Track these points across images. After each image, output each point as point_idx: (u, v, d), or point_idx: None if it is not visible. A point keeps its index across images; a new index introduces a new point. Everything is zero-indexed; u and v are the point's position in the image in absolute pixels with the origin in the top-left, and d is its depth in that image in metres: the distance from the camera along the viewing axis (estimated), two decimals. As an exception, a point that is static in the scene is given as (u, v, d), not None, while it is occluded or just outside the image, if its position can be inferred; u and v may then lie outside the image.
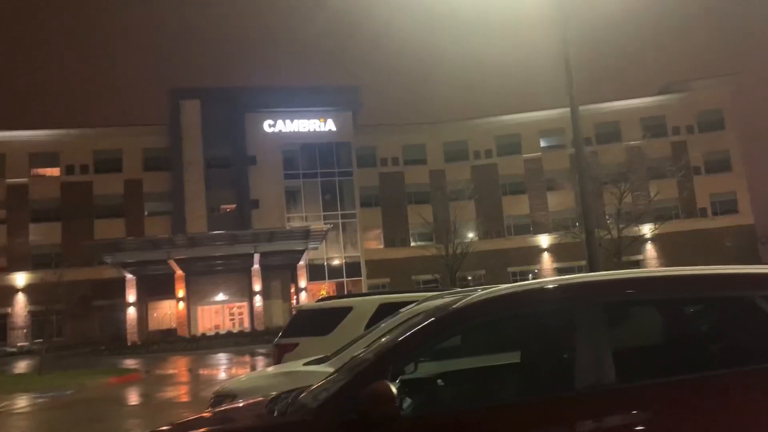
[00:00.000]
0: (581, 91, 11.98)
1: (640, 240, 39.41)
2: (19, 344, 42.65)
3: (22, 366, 30.25)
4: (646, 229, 39.20)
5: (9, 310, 44.50)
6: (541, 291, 3.31)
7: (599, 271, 9.00)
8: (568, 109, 12.06)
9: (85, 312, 42.04)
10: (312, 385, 3.46)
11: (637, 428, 2.78)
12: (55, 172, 47.65)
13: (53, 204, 46.62)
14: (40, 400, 15.22)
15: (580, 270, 41.47)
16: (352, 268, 46.66)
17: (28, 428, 11.85)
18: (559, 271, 46.88)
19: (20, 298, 44.54)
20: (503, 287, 3.43)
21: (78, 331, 43.15)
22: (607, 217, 34.22)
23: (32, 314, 43.21)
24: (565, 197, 43.51)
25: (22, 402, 15.02)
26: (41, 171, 47.81)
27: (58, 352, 35.03)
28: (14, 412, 13.52)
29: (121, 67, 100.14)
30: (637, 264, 43.70)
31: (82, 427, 11.06)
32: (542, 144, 51.90)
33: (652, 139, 46.65)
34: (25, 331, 43.76)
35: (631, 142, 46.44)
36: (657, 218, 37.59)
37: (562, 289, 3.27)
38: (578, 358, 2.96)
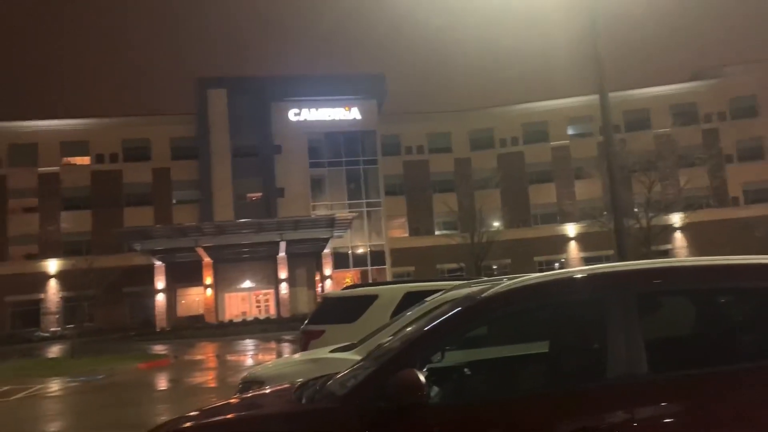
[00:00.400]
0: (610, 77, 11.76)
1: (670, 229, 38.88)
2: (51, 329, 43.63)
3: (55, 350, 30.96)
4: (676, 218, 38.60)
5: (42, 296, 45.54)
6: (573, 280, 3.28)
7: (628, 260, 8.88)
8: (596, 96, 11.84)
9: (115, 298, 42.85)
10: (339, 373, 3.47)
11: (670, 420, 2.74)
12: (85, 160, 48.46)
13: (83, 192, 47.46)
14: (73, 384, 15.56)
15: (607, 260, 41.00)
16: (377, 257, 46.76)
17: (61, 411, 12.14)
18: (586, 261, 46.41)
19: (52, 285, 45.53)
20: (532, 276, 3.40)
21: (108, 317, 44.01)
22: (635, 206, 33.76)
23: (64, 300, 44.18)
24: (593, 186, 42.89)
25: (55, 386, 15.38)
26: (72, 160, 48.66)
27: (89, 337, 35.73)
28: (48, 396, 13.86)
29: (149, 56, 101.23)
30: (666, 254, 43.08)
31: (114, 410, 11.29)
32: (570, 131, 51.25)
33: (683, 127, 45.80)
34: (57, 316, 44.75)
35: (661, 130, 45.66)
36: (687, 207, 36.98)
37: (595, 278, 3.23)
38: (610, 349, 2.92)
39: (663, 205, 34.55)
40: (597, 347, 3.17)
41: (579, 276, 3.26)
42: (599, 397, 2.83)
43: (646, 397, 2.80)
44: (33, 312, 45.18)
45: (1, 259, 45.76)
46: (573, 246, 49.25)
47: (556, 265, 47.23)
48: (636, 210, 33.25)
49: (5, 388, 14.84)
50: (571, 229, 49.07)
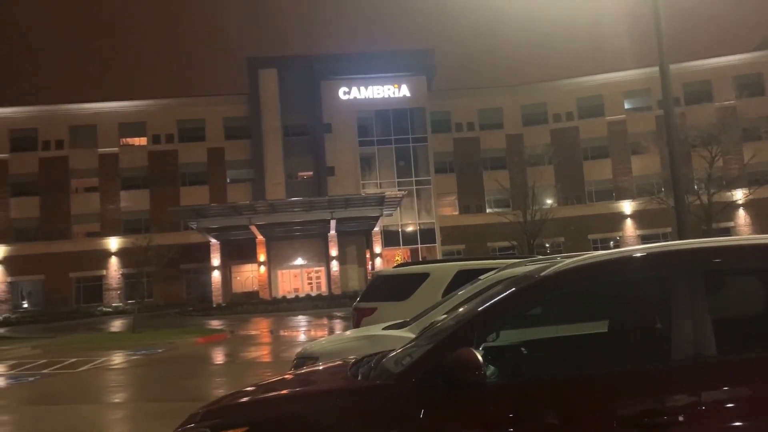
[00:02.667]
0: (669, 48, 11.28)
1: (732, 206, 37.42)
2: (113, 304, 45.40)
3: (116, 325, 32.22)
4: (739, 195, 37.11)
5: (104, 272, 47.36)
6: (636, 259, 3.16)
7: (688, 238, 8.57)
8: (654, 69, 11.40)
9: (173, 275, 44.17)
10: (394, 350, 3.46)
11: (740, 405, 2.64)
12: (142, 141, 49.81)
13: (141, 172, 48.88)
14: (135, 357, 16.16)
15: (665, 238, 39.89)
16: (427, 235, 46.68)
17: (124, 383, 12.63)
18: (643, 239, 45.25)
19: (113, 261, 47.27)
20: (592, 255, 3.31)
21: (167, 293, 45.50)
22: (696, 181, 32.60)
23: (125, 276, 45.83)
24: (651, 161, 41.71)
25: (117, 358, 16.00)
26: (130, 140, 50.09)
27: (148, 312, 37.05)
28: (112, 368, 14.43)
29: (202, 37, 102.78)
30: (728, 231, 41.57)
31: (174, 383, 11.66)
32: (626, 105, 49.69)
33: (748, 99, 43.78)
34: (118, 292, 46.51)
35: (724, 102, 43.84)
36: (752, 183, 35.47)
37: (660, 256, 3.11)
38: (675, 330, 2.82)
39: (725, 181, 33.24)
40: (661, 328, 3.08)
41: (642, 254, 3.14)
42: (664, 379, 2.73)
43: (715, 380, 2.70)
44: (96, 288, 47.09)
45: (66, 237, 47.70)
46: (629, 223, 48.03)
47: (612, 243, 46.20)
48: (696, 186, 32.10)
49: (72, 360, 15.52)
50: (627, 206, 47.84)
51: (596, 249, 39.52)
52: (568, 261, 3.23)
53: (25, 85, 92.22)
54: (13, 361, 16.16)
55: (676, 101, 39.09)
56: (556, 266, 3.21)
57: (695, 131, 33.35)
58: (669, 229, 38.82)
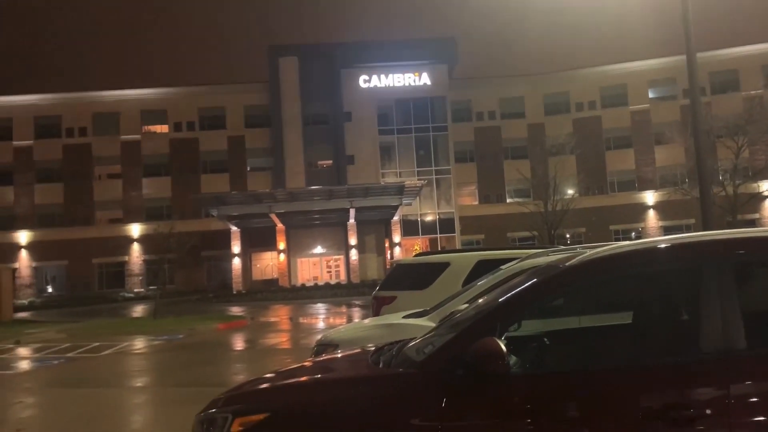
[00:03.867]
0: (697, 37, 11.07)
1: (759, 197, 36.80)
2: (135, 290, 46.03)
3: (138, 310, 32.63)
4: (766, 186, 36.47)
5: (126, 258, 47.99)
6: (662, 249, 3.10)
7: (713, 230, 8.45)
8: (679, 57, 11.26)
9: (194, 261, 44.63)
10: (415, 339, 3.45)
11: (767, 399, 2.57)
12: (164, 129, 50.21)
13: (163, 159, 49.31)
14: (156, 342, 16.35)
15: (688, 229, 39.39)
16: (446, 224, 46.57)
17: (145, 368, 12.79)
18: (666, 230, 44.72)
19: (135, 248, 47.86)
20: (617, 245, 3.26)
21: (188, 279, 46.01)
22: (721, 172, 32.08)
23: (146, 263, 46.40)
24: (675, 151, 41.16)
25: (139, 343, 16.20)
26: (151, 128, 50.53)
27: (170, 298, 37.48)
28: (133, 352, 14.62)
29: (223, 25, 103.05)
30: (754, 223, 40.90)
31: (195, 368, 11.78)
32: (651, 95, 48.99)
33: (776, 88, 42.90)
34: (140, 278, 47.13)
35: (751, 92, 42.94)
36: (778, 174, 34.84)
37: (687, 247, 3.05)
38: (703, 322, 2.76)
39: (751, 172, 32.68)
40: (688, 320, 3.03)
41: (668, 245, 3.08)
42: (691, 373, 2.69)
43: (744, 373, 2.65)
44: (118, 273, 47.76)
45: (89, 224, 48.38)
46: (651, 214, 47.48)
47: (634, 234, 45.73)
48: (721, 177, 31.60)
49: (94, 344, 15.75)
50: (650, 197, 47.29)
51: (618, 240, 39.14)
52: (592, 251, 3.19)
53: (49, 73, 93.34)
54: (39, 345, 16.47)
55: (702, 90, 38.40)
56: (580, 256, 3.17)
57: (721, 121, 32.78)
58: (693, 221, 38.31)
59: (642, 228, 47.04)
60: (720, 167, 32.68)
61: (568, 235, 43.31)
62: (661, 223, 46.46)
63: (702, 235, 3.19)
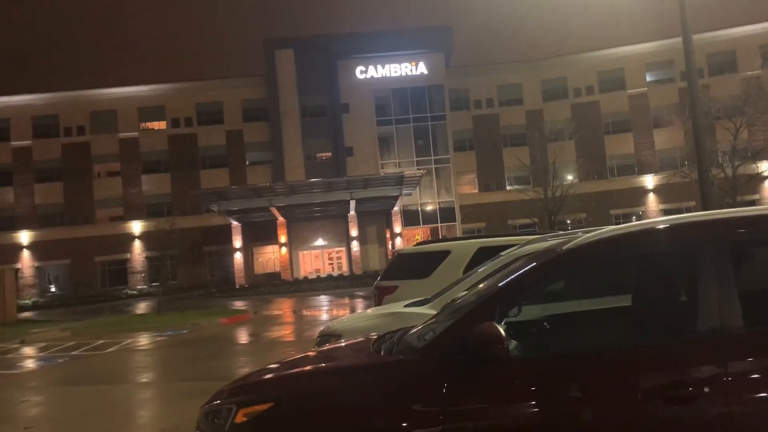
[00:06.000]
0: (693, 18, 11.04)
1: (758, 178, 36.76)
2: (138, 287, 46.12)
3: (142, 307, 32.73)
4: (765, 167, 36.43)
5: (128, 255, 48.04)
6: (659, 231, 3.12)
7: (712, 210, 8.46)
8: (676, 40, 11.24)
9: (196, 257, 44.67)
10: (416, 326, 3.47)
11: (764, 375, 2.61)
12: (162, 125, 50.12)
13: (162, 156, 49.27)
14: (160, 338, 16.41)
15: (688, 211, 39.35)
16: (447, 213, 46.58)
17: (151, 363, 12.85)
18: (666, 213, 44.70)
19: (137, 245, 47.91)
20: (613, 228, 3.27)
21: (190, 275, 46.09)
22: (720, 154, 32.04)
23: (149, 259, 46.46)
24: (674, 134, 41.07)
25: (144, 340, 16.27)
26: (149, 125, 50.44)
27: (173, 294, 37.59)
28: (138, 349, 14.69)
29: (218, 20, 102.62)
30: (753, 204, 40.87)
31: (199, 363, 11.84)
32: (648, 78, 48.84)
33: (774, 68, 42.75)
34: (143, 275, 47.21)
35: (749, 72, 42.80)
36: (778, 154, 34.77)
37: (683, 227, 3.06)
38: (700, 302, 2.78)
39: (750, 153, 32.63)
40: (685, 300, 3.06)
41: (665, 226, 3.09)
42: (690, 352, 2.72)
43: (741, 351, 2.68)
44: (120, 271, 47.83)
45: (90, 222, 48.41)
46: (652, 198, 47.47)
47: (634, 218, 45.75)
48: (720, 159, 31.56)
49: (99, 341, 15.83)
50: (649, 181, 47.26)
51: (618, 224, 39.14)
52: (589, 234, 3.21)
53: (45, 72, 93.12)
54: (43, 344, 16.53)
55: (700, 72, 38.26)
56: (577, 239, 3.18)
57: (719, 103, 32.71)
58: (693, 203, 38.31)
59: (643, 212, 47.03)
60: (719, 149, 32.63)
61: (568, 221, 43.30)
62: (661, 206, 46.46)
63: (697, 215, 3.21)
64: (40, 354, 14.69)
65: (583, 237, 3.20)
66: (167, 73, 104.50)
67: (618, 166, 48.76)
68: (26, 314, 32.21)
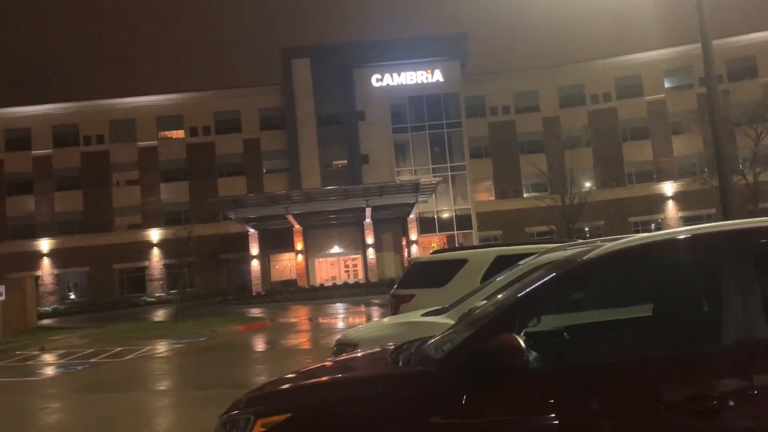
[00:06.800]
0: (712, 24, 10.94)
1: (780, 185, 36.23)
2: (156, 294, 46.44)
3: (160, 314, 32.94)
4: (787, 173, 35.90)
5: (146, 263, 48.44)
6: (681, 241, 3.07)
7: (733, 219, 8.34)
8: (695, 46, 11.13)
9: (213, 264, 44.93)
10: (434, 336, 3.45)
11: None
12: (180, 134, 50.59)
13: (180, 164, 49.70)
14: (178, 346, 16.50)
15: (708, 219, 38.90)
16: (463, 221, 46.44)
17: (169, 371, 12.91)
18: (686, 221, 44.22)
19: (155, 253, 48.29)
20: (635, 237, 3.23)
21: (208, 282, 46.36)
22: (741, 161, 31.66)
23: (167, 267, 46.78)
24: (693, 141, 40.72)
25: (162, 347, 16.36)
26: (168, 133, 50.91)
27: (191, 301, 37.79)
28: (156, 356, 14.77)
29: (236, 30, 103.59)
30: (775, 211, 40.27)
31: (216, 370, 11.88)
32: (667, 84, 48.42)
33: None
34: (161, 282, 47.54)
35: (770, 78, 42.31)
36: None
37: (706, 238, 3.02)
38: (724, 313, 2.73)
39: (772, 160, 32.22)
40: (708, 311, 3.01)
41: (688, 236, 3.05)
42: (713, 364, 2.67)
43: (767, 363, 2.61)
44: (139, 278, 48.22)
45: (109, 230, 48.89)
46: (671, 205, 46.97)
47: (653, 225, 45.29)
48: (741, 165, 31.19)
49: (118, 349, 15.95)
50: (668, 188, 46.78)
51: (637, 232, 38.77)
52: (610, 244, 3.17)
53: (64, 82, 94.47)
54: (63, 351, 16.69)
55: (719, 78, 37.90)
56: (598, 249, 3.15)
57: (739, 109, 32.34)
58: (713, 211, 37.84)
59: (662, 219, 46.56)
60: (739, 155, 32.26)
61: (587, 229, 42.98)
62: (681, 214, 45.95)
63: (720, 225, 3.16)
64: (60, 361, 14.84)
65: (604, 247, 3.16)
66: (185, 83, 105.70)
67: (636, 173, 48.34)
68: (46, 321, 32.59)
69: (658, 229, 38.97)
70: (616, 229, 39.50)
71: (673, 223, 45.23)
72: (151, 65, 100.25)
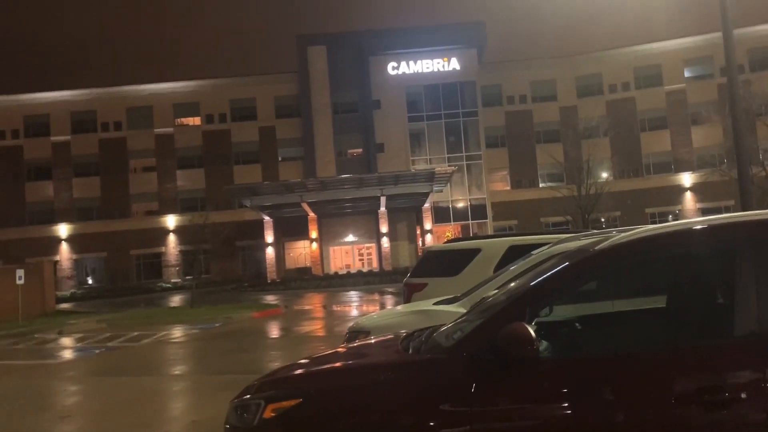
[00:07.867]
0: (734, 12, 10.75)
1: (801, 177, 35.67)
2: (172, 280, 46.88)
3: (176, 300, 33.26)
4: (808, 165, 35.31)
5: (163, 249, 48.89)
6: (695, 232, 3.04)
7: (752, 211, 8.21)
8: (716, 35, 10.99)
9: (229, 251, 45.22)
10: (445, 325, 3.45)
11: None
12: (196, 121, 50.82)
13: (196, 151, 49.97)
14: (193, 331, 16.66)
15: (727, 210, 38.41)
16: (478, 210, 46.30)
17: (184, 356, 13.06)
18: (704, 212, 43.72)
19: (171, 239, 48.70)
20: (648, 228, 3.20)
21: (223, 269, 46.72)
22: (761, 152, 31.20)
23: (182, 253, 47.18)
24: (712, 132, 40.15)
25: (177, 332, 16.53)
26: (184, 121, 51.17)
27: (206, 287, 38.11)
28: (172, 341, 14.93)
29: (252, 17, 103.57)
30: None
31: (231, 356, 11.99)
32: (686, 74, 47.76)
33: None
34: (177, 268, 47.97)
35: (793, 68, 41.56)
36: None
37: (722, 228, 2.98)
38: (738, 305, 2.71)
39: (793, 151, 31.69)
40: (723, 303, 2.98)
41: (702, 227, 3.02)
42: (727, 356, 2.65)
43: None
44: (155, 264, 48.70)
45: (126, 216, 49.37)
46: (689, 197, 46.47)
47: (670, 217, 44.85)
48: (761, 157, 30.73)
49: (134, 333, 16.14)
50: (686, 179, 46.26)
51: (654, 223, 38.42)
52: (624, 234, 3.15)
53: (83, 69, 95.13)
54: (80, 335, 16.93)
55: (740, 68, 37.32)
56: (611, 239, 3.13)
57: (760, 99, 31.84)
58: (732, 202, 37.35)
59: (679, 210, 46.09)
60: (759, 146, 31.77)
61: (602, 219, 42.65)
62: (699, 206, 45.47)
63: (736, 216, 3.12)
64: (78, 345, 15.05)
65: (618, 237, 3.14)
66: (202, 70, 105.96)
67: (654, 164, 47.85)
68: (64, 305, 33.03)
69: (675, 220, 38.59)
70: (633, 220, 39.12)
71: (691, 214, 44.74)
72: (168, 53, 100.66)
